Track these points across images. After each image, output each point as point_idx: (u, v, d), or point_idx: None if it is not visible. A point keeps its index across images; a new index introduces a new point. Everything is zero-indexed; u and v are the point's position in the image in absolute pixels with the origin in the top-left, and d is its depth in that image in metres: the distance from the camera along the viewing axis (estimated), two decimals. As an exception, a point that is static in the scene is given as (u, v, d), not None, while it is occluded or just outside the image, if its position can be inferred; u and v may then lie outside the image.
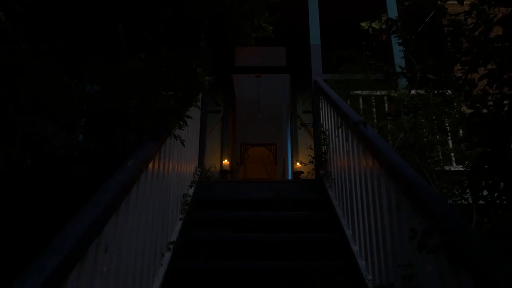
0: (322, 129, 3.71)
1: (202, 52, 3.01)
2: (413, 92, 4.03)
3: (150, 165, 1.97)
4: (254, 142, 11.72)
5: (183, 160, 2.97)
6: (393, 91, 4.06)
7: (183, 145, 2.30)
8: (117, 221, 1.49)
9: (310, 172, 3.96)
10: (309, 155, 3.94)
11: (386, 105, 4.03)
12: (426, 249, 1.28)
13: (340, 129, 2.96)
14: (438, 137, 2.98)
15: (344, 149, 2.79)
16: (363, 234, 2.26)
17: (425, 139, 2.84)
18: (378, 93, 4.07)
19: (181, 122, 2.35)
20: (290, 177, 8.07)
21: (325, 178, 3.45)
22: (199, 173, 3.57)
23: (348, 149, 2.65)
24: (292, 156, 6.74)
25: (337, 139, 3.07)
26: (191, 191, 3.16)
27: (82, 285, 1.17)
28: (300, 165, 6.19)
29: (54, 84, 1.80)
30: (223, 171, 6.24)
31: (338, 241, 2.63)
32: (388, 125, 3.22)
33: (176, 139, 2.34)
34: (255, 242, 2.63)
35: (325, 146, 3.55)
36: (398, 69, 4.17)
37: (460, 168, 3.35)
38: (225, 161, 6.29)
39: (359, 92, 4.02)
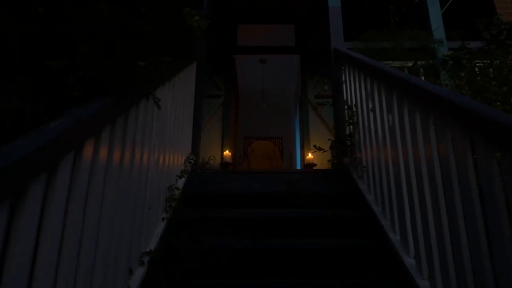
0: (346, 105, 3.02)
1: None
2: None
3: (105, 133, 1.28)
4: (258, 135, 11.03)
5: (170, 143, 2.29)
6: (431, 61, 3.37)
7: (159, 107, 1.62)
8: (19, 214, 0.81)
9: (329, 160, 3.26)
10: (329, 139, 3.25)
11: (423, 77, 3.33)
12: None
13: (377, 99, 2.26)
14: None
15: (384, 124, 2.10)
16: (425, 239, 1.57)
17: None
18: (412, 63, 3.37)
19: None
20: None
21: (352, 166, 2.76)
22: (192, 161, 2.88)
23: (393, 122, 1.95)
24: (302, 148, 6.05)
25: (372, 114, 2.37)
26: (180, 183, 2.48)
27: None
28: (312, 156, 5.51)
29: None
30: (224, 163, 5.56)
31: (381, 249, 1.94)
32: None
33: (148, 99, 1.65)
34: (266, 252, 1.94)
35: (352, 127, 2.86)
36: (436, 36, 3.49)
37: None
38: (226, 152, 5.61)
39: (389, 63, 3.32)
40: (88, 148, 1.15)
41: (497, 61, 2.35)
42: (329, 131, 5.70)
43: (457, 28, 3.62)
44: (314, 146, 3.02)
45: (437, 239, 1.48)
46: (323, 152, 3.29)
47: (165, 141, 2.16)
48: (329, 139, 3.31)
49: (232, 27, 6.37)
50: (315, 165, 5.39)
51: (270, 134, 11.04)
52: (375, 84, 2.30)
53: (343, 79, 3.16)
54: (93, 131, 1.18)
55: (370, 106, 2.40)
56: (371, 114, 2.39)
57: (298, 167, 7.21)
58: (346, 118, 2.96)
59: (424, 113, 1.60)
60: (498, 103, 2.03)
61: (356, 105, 2.74)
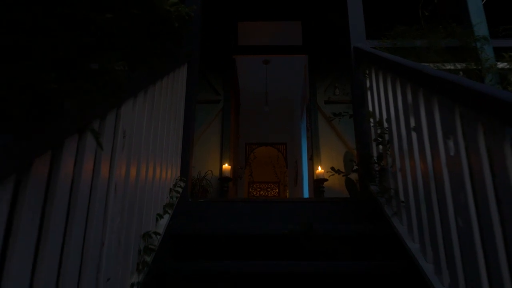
0: (372, 119, 2.47)
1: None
2: (502, 64, 2.82)
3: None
4: (261, 141, 10.49)
5: (145, 175, 1.74)
6: (472, 64, 2.83)
7: (101, 147, 1.08)
8: None
9: (351, 188, 2.71)
10: (351, 160, 2.69)
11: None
12: None
13: (423, 115, 1.71)
14: None
15: (439, 150, 1.54)
16: None
17: None
18: (451, 66, 2.82)
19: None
20: (305, 182, 6.83)
21: (382, 198, 2.20)
22: (180, 189, 2.33)
23: (457, 149, 1.40)
24: (310, 159, 5.49)
25: (415, 134, 1.82)
26: (162, 223, 1.92)
27: None
28: (322, 170, 4.95)
29: None
30: (223, 178, 5.00)
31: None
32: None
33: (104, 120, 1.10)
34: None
35: (381, 147, 2.31)
36: (478, 33, 2.93)
37: None
38: (226, 166, 5.05)
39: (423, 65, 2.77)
40: None
41: None
42: (343, 142, 5.15)
43: (502, 22, 3.06)
44: (332, 168, 2.47)
45: None
46: (342, 176, 2.75)
47: (138, 175, 1.61)
48: (351, 160, 2.76)
49: (232, 25, 5.83)
50: (326, 180, 4.84)
51: (273, 140, 10.50)
52: (421, 95, 1.75)
53: (368, 84, 2.61)
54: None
55: (412, 123, 1.84)
56: (413, 134, 1.83)
57: (305, 180, 6.65)
58: (374, 136, 2.41)
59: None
60: None
61: (388, 120, 2.19)
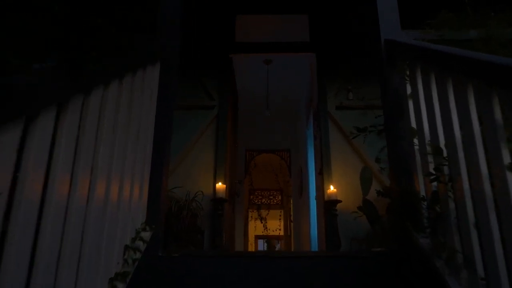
0: (417, 140, 1.77)
1: None
2: None
3: None
4: (262, 148, 9.78)
5: (66, 235, 1.06)
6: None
7: None
8: None
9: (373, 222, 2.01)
10: (375, 179, 1.99)
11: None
12: None
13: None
14: None
15: None
16: None
17: None
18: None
19: None
20: (311, 198, 6.12)
21: (440, 260, 1.49)
22: (143, 243, 1.63)
23: None
24: (320, 173, 4.78)
25: (509, 175, 1.12)
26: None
27: None
28: (335, 190, 4.24)
29: None
30: (216, 200, 4.28)
31: None
32: None
33: None
34: None
35: (438, 184, 1.60)
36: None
37: None
38: (220, 185, 4.34)
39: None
40: None
41: None
42: (359, 156, 4.45)
43: None
44: (360, 209, 1.78)
45: None
46: (360, 212, 2.05)
47: (47, 252, 0.92)
48: (379, 190, 2.06)
49: (229, 19, 5.15)
50: (340, 201, 4.13)
51: (276, 146, 9.78)
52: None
53: (409, 91, 1.91)
54: None
55: (507, 158, 1.15)
56: (509, 176, 1.14)
57: (312, 194, 5.95)
58: (421, 165, 1.71)
59: None
60: None
61: (449, 146, 1.49)
